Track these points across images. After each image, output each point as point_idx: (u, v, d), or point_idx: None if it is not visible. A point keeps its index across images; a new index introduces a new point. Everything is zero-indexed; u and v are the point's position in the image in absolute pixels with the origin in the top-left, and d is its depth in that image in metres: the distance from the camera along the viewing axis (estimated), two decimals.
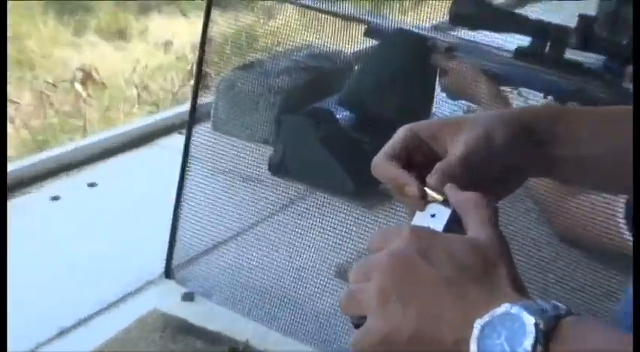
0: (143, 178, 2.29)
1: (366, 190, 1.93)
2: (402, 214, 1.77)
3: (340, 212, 1.82)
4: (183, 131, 2.41)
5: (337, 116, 2.07)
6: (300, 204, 1.92)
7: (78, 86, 3.42)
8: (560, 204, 1.67)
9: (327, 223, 1.81)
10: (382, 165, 0.64)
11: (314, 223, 1.81)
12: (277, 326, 1.70)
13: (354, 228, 1.78)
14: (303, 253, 1.79)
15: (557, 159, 0.66)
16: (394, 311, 0.52)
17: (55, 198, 2.10)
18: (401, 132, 0.65)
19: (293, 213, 1.89)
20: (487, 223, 0.57)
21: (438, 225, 0.59)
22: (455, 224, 0.59)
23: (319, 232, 1.80)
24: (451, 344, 0.51)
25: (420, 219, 0.60)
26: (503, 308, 0.51)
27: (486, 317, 0.51)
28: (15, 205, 2.04)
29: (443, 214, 0.59)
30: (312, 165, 2.06)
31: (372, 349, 0.54)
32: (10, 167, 2.15)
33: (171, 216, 1.86)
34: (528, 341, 0.49)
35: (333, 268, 1.79)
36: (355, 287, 0.56)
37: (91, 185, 2.20)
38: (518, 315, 0.50)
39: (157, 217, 1.99)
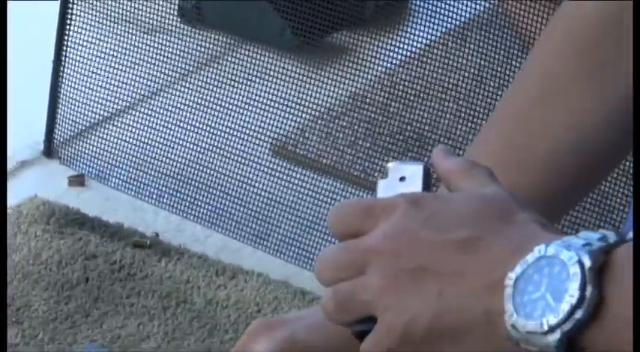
0: (9, 29, 2.29)
1: (309, 43, 1.97)
2: (356, 71, 1.85)
3: (275, 72, 1.87)
4: None
5: None
6: (222, 62, 1.96)
7: None
8: None
9: (257, 86, 1.87)
10: None
11: (240, 87, 1.87)
12: (196, 216, 1.77)
13: (294, 93, 1.85)
14: (228, 124, 1.84)
15: None
16: (408, 300, 0.54)
17: None
18: None
19: (212, 73, 1.92)
20: (489, 181, 0.59)
21: (415, 186, 0.60)
22: (430, 183, 0.61)
23: (247, 98, 1.86)
24: (481, 316, 0.52)
25: (389, 187, 0.61)
26: (536, 251, 0.51)
27: (517, 268, 0.51)
28: None
29: (414, 173, 0.61)
30: (237, 10, 2.09)
31: None
32: None
33: (49, 79, 1.90)
34: (574, 285, 0.50)
35: (269, 144, 1.85)
36: (348, 286, 0.56)
37: None
38: (556, 256, 0.51)
39: (29, 80, 2.00)
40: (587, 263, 0.50)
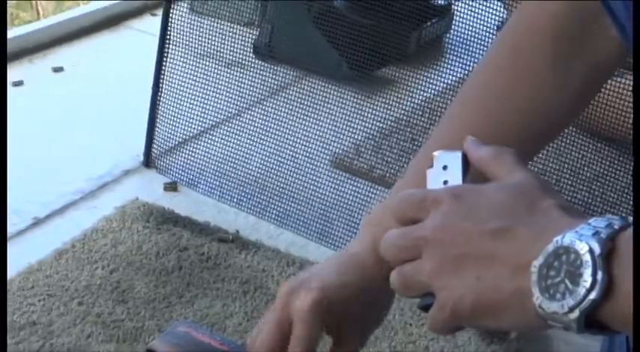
0: (114, 62, 2.37)
1: (362, 76, 2.02)
2: (401, 99, 1.92)
3: (334, 99, 1.94)
4: (156, 12, 2.46)
5: None
6: (289, 91, 2.02)
7: None
8: None
9: (319, 111, 1.94)
10: None
11: (305, 111, 1.94)
12: (269, 217, 1.81)
13: (350, 116, 1.92)
14: (295, 142, 1.91)
15: None
16: (453, 282, 0.56)
17: (18, 84, 2.17)
18: None
19: (282, 99, 2.00)
20: (516, 167, 0.60)
21: (456, 174, 0.62)
22: (467, 167, 0.63)
23: (311, 120, 1.92)
24: (513, 295, 0.54)
25: (435, 176, 0.63)
26: (554, 242, 0.53)
27: (540, 257, 0.53)
28: None
29: (454, 161, 0.63)
30: (302, 49, 2.13)
31: (449, 324, 0.58)
32: None
33: (148, 103, 1.96)
34: (588, 271, 0.51)
35: (328, 158, 1.91)
36: (408, 269, 0.59)
37: (57, 70, 2.27)
38: (570, 246, 0.52)
39: (132, 104, 2.09)
40: (597, 251, 0.51)
